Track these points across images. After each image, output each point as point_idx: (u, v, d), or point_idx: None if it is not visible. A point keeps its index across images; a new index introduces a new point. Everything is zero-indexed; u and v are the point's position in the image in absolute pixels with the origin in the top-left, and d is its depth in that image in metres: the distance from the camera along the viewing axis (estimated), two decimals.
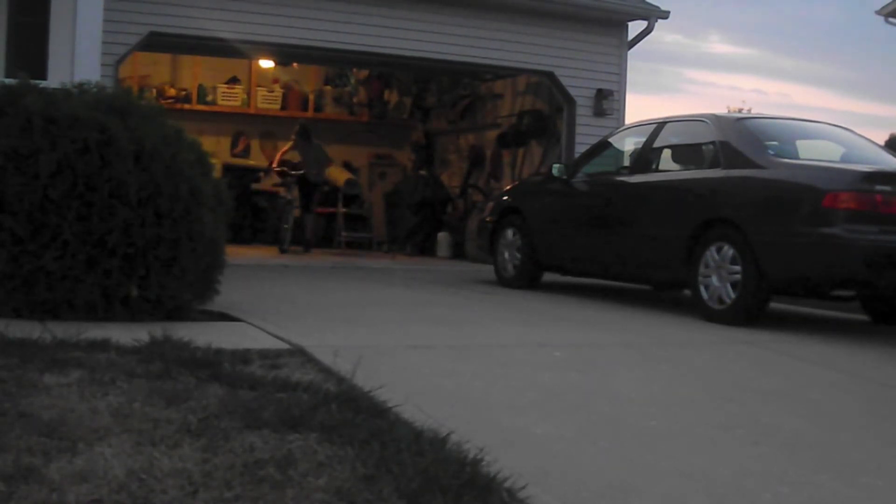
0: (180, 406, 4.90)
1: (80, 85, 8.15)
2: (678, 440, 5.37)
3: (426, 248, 19.49)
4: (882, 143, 14.46)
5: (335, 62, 19.99)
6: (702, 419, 5.94)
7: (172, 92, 20.22)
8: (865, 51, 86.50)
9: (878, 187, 9.05)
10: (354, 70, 21.68)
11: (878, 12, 27.64)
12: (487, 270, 13.77)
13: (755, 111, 30.56)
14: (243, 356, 6.31)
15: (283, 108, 21.22)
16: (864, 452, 5.41)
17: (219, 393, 5.24)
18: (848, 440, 5.68)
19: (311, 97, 21.56)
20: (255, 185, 20.23)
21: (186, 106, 19.92)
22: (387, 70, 20.96)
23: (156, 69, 19.96)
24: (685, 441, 5.36)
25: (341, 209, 19.72)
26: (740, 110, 33.65)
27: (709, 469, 4.81)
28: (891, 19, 27.50)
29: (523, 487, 4.09)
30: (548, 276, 12.90)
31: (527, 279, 12.61)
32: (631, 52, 17.36)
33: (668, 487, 4.48)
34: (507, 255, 12.98)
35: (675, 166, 11.31)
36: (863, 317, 10.97)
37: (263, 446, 4.32)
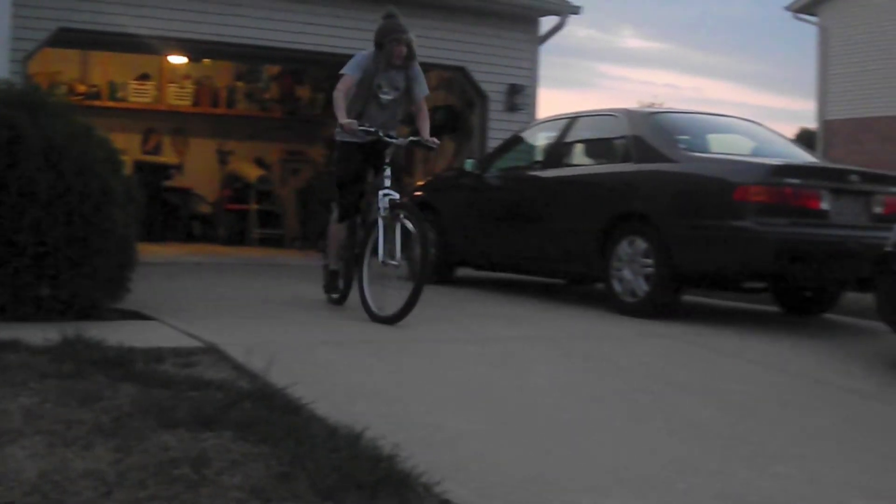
0: (93, 406, 4.86)
1: None
2: (593, 433, 5.41)
3: None
4: (792, 136, 14.66)
5: (247, 58, 19.86)
6: (616, 412, 5.98)
7: (83, 88, 19.97)
8: (776, 46, 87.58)
9: (788, 180, 9.16)
10: (267, 66, 21.58)
11: (788, 8, 28.12)
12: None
13: (667, 105, 30.87)
14: (156, 355, 6.27)
15: (194, 104, 21.03)
16: (777, 442, 5.48)
17: (131, 392, 5.21)
18: (761, 430, 5.75)
19: (223, 93, 21.42)
20: (166, 183, 20.07)
21: (97, 102, 19.64)
22: (299, 66, 20.87)
23: (66, 65, 19.69)
24: (600, 433, 5.40)
25: (254, 206, 19.67)
26: (652, 104, 33.99)
27: (624, 461, 4.85)
28: (800, 15, 27.96)
29: (439, 482, 4.10)
30: (462, 272, 12.91)
31: (440, 274, 12.61)
32: (544, 47, 17.43)
33: (583, 480, 4.51)
34: None
35: (588, 161, 11.37)
36: (774, 308, 11.09)
37: (177, 445, 4.30)
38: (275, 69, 21.66)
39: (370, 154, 9.31)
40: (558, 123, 11.92)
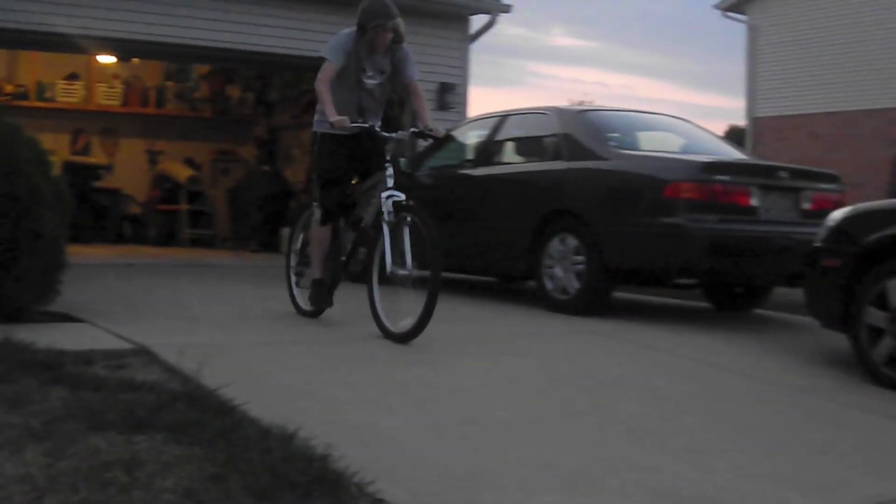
0: (23, 410, 4.81)
1: None
2: (526, 430, 5.42)
3: (270, 244, 19.35)
4: (722, 134, 14.77)
5: (176, 57, 19.73)
6: (549, 408, 6.00)
7: (10, 88, 19.75)
8: (705, 44, 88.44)
9: (718, 177, 9.23)
10: (196, 65, 21.44)
11: (716, 6, 28.34)
12: None
13: (597, 103, 31.00)
14: (86, 357, 6.22)
15: (123, 104, 20.87)
16: (708, 437, 5.53)
17: (62, 395, 5.15)
18: (693, 425, 5.79)
19: (153, 93, 21.26)
20: (96, 183, 19.89)
21: (24, 103, 19.41)
22: (229, 65, 20.75)
23: None
24: (533, 430, 5.41)
25: (185, 206, 19.55)
26: (582, 103, 34.12)
27: (557, 457, 4.87)
28: (729, 13, 28.19)
29: (372, 482, 4.09)
30: None
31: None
32: (474, 46, 17.46)
33: (517, 477, 4.51)
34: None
35: (519, 159, 11.40)
36: (706, 304, 11.17)
37: (109, 448, 4.27)
38: (204, 68, 21.53)
39: (356, 147, 8.45)
40: (489, 122, 11.94)
